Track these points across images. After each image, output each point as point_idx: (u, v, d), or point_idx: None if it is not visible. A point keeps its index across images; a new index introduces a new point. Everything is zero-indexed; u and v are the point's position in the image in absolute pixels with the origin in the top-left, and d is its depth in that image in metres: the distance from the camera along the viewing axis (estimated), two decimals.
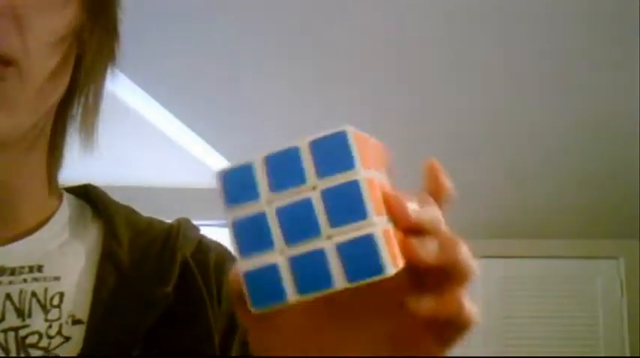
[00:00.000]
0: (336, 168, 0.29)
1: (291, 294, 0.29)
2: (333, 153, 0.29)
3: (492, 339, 2.94)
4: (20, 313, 0.46)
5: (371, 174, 0.30)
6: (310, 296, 0.29)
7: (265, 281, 0.29)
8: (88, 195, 0.57)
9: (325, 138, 0.29)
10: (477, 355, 2.92)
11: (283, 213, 0.29)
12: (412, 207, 0.31)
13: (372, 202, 0.28)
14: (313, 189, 0.29)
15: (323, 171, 0.29)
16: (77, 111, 0.51)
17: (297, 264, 0.29)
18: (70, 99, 0.50)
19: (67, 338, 0.46)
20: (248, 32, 1.53)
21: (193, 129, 2.15)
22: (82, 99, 0.51)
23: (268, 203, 0.30)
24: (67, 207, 0.54)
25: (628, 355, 2.90)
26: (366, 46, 1.58)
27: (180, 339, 0.49)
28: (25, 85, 0.42)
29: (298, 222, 0.29)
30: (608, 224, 2.87)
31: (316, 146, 0.29)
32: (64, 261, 0.50)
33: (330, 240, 0.29)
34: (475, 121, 2.03)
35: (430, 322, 0.32)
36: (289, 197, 0.29)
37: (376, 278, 0.28)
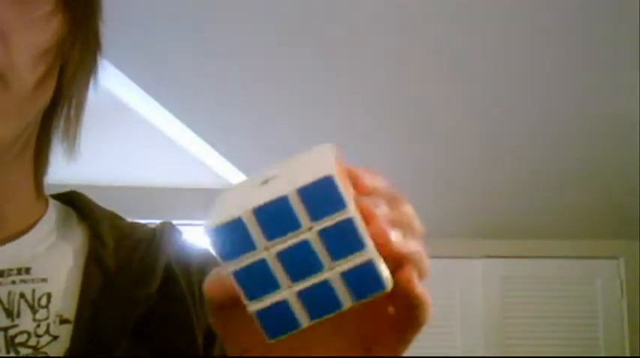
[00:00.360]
0: (329, 211, 0.30)
1: (304, 321, 0.31)
2: (323, 197, 0.30)
3: (492, 339, 2.94)
4: (9, 313, 0.48)
5: (353, 201, 0.31)
6: (322, 319, 0.31)
7: (277, 315, 0.31)
8: (72, 201, 0.59)
9: (312, 184, 0.30)
10: (477, 355, 2.93)
11: (284, 256, 0.30)
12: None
13: (366, 232, 0.30)
14: (309, 230, 0.30)
15: (316, 214, 0.30)
16: (60, 121, 0.54)
17: (306, 295, 0.31)
18: (53, 109, 0.53)
19: (55, 337, 0.48)
20: (248, 32, 1.53)
21: (193, 129, 2.15)
22: (65, 110, 0.53)
23: (266, 249, 0.30)
24: (53, 212, 0.56)
25: (628, 355, 2.91)
26: (365, 45, 1.59)
27: (164, 338, 0.51)
28: (11, 97, 0.45)
29: (300, 262, 0.30)
30: (608, 224, 2.87)
31: (304, 193, 0.30)
32: (52, 263, 0.52)
33: (332, 270, 0.30)
34: (475, 122, 2.03)
35: (396, 321, 0.34)
36: (286, 241, 0.30)
37: (379, 295, 0.31)
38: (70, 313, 0.49)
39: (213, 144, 2.28)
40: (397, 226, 0.32)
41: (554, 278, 3.01)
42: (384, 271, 0.31)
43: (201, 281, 0.52)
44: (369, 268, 0.30)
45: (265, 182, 0.32)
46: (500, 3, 1.39)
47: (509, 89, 1.81)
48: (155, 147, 2.84)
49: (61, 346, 0.48)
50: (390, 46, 1.59)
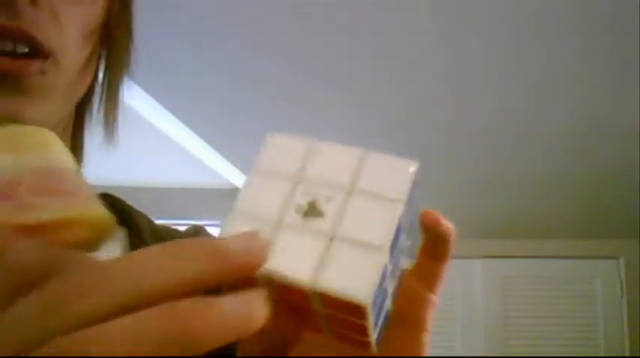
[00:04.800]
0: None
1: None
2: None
3: (492, 339, 2.94)
4: None
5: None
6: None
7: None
8: (109, 204, 0.58)
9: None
10: (477, 355, 2.93)
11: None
12: None
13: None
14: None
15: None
16: (100, 105, 0.52)
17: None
18: (88, 95, 0.51)
19: None
20: (246, 33, 1.53)
21: (194, 130, 2.15)
22: (105, 93, 0.52)
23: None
24: None
25: (628, 355, 2.91)
26: (364, 46, 1.59)
27: None
28: (61, 77, 0.44)
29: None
30: (608, 224, 2.88)
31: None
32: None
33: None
34: (474, 121, 2.03)
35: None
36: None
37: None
38: None
39: (213, 145, 2.28)
40: None
41: (554, 278, 3.01)
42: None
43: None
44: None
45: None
46: (500, 1, 1.39)
47: (509, 89, 1.81)
48: (156, 148, 2.84)
49: None
50: (389, 46, 1.59)
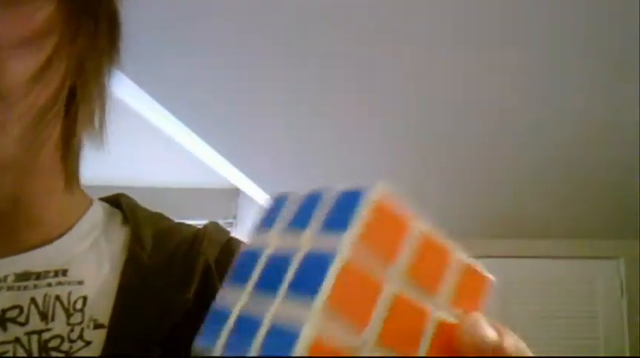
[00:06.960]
0: (334, 229, 0.24)
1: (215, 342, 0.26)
2: (342, 210, 0.24)
3: None
4: (44, 317, 0.47)
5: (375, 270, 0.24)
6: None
7: (216, 319, 0.27)
8: (119, 203, 0.58)
9: (351, 190, 0.24)
10: None
11: (273, 259, 0.26)
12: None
13: (338, 288, 0.22)
14: (304, 244, 0.25)
15: (327, 226, 0.24)
16: (83, 117, 0.51)
17: (243, 317, 0.25)
18: (74, 105, 0.50)
19: (88, 343, 0.47)
20: (245, 32, 1.53)
21: (193, 129, 2.15)
22: (84, 105, 0.50)
23: (278, 236, 0.27)
24: (97, 212, 0.55)
25: (628, 355, 2.91)
26: (363, 45, 1.59)
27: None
28: (8, 110, 0.42)
29: (274, 275, 0.25)
30: (608, 224, 2.88)
31: (342, 197, 0.24)
32: (89, 265, 0.51)
33: (273, 310, 0.24)
34: (475, 122, 2.03)
35: None
36: (291, 241, 0.25)
37: None
38: (104, 317, 0.48)
39: (213, 145, 2.28)
40: None
41: (554, 278, 3.01)
42: (307, 344, 0.22)
43: None
44: (292, 330, 0.23)
45: None
46: (501, 5, 1.39)
47: (509, 90, 1.81)
48: (155, 148, 2.84)
49: (94, 352, 0.46)
50: (388, 45, 1.59)
